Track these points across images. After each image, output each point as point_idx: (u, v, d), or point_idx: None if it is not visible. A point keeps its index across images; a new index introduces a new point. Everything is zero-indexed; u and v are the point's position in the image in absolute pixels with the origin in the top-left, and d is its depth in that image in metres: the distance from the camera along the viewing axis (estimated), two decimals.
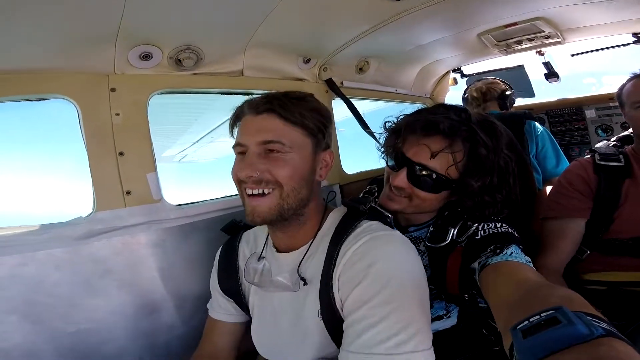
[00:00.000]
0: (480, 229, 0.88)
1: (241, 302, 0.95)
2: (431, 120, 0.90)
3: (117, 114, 1.09)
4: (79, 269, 1.02)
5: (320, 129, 0.82)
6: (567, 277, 1.21)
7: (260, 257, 0.89)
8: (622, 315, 1.04)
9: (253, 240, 0.98)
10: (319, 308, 0.76)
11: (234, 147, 0.82)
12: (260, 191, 0.76)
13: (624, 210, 1.13)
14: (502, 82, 2.16)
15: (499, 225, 0.88)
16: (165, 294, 1.16)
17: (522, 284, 0.65)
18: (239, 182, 0.79)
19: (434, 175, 0.90)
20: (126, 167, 1.10)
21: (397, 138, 0.99)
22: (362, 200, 0.85)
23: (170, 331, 1.18)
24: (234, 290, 0.95)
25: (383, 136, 1.07)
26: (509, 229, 0.88)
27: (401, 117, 1.03)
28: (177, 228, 1.18)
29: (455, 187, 0.92)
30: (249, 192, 0.77)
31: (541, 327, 0.42)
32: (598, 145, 1.33)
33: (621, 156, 1.18)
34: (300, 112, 0.78)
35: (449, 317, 0.97)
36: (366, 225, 0.79)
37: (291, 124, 0.78)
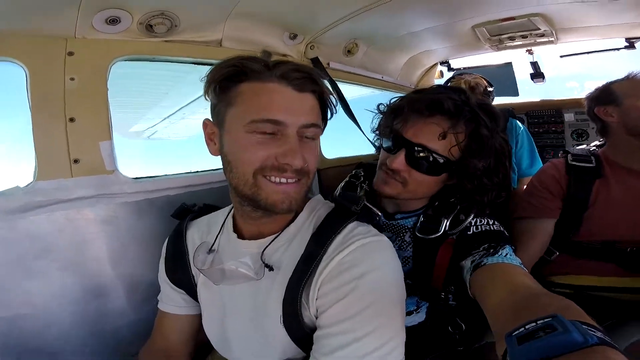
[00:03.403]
0: (473, 224, 0.86)
1: (193, 292, 0.85)
2: (435, 100, 0.85)
3: (72, 79, 0.97)
4: (13, 247, 0.90)
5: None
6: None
7: (211, 250, 0.79)
8: None
9: (206, 227, 0.86)
10: (281, 314, 0.67)
11: (255, 122, 0.62)
12: (293, 181, 0.67)
13: (593, 212, 1.13)
14: (482, 77, 2.15)
15: (491, 222, 0.87)
16: (114, 277, 1.05)
17: (519, 290, 0.65)
18: (265, 169, 0.64)
19: (434, 157, 0.86)
20: (76, 133, 0.97)
21: (395, 118, 0.93)
22: (354, 198, 0.74)
23: (119, 317, 1.07)
24: (184, 280, 0.84)
25: (376, 119, 1.02)
26: (500, 227, 0.87)
27: (394, 99, 0.98)
28: (132, 204, 1.06)
29: (455, 168, 0.88)
30: (281, 180, 0.65)
31: (536, 334, 0.42)
32: (578, 148, 1.34)
33: (592, 157, 1.19)
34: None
35: (418, 312, 0.95)
36: (352, 225, 0.70)
37: (320, 108, 0.70)
